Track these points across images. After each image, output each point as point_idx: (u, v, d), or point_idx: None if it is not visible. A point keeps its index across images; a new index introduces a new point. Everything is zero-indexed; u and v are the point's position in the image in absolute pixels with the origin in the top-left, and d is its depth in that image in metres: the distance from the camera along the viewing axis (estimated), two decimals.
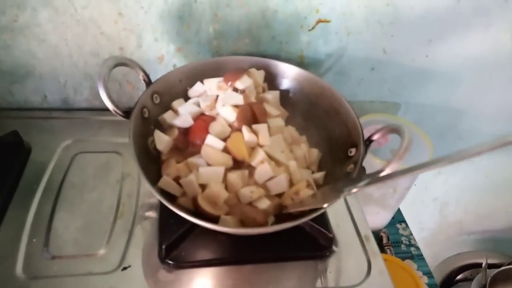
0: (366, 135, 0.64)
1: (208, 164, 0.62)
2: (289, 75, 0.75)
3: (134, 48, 0.78)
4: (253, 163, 0.62)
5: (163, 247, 0.61)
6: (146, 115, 0.67)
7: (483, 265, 1.25)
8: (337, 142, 0.69)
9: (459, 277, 1.43)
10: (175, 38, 0.78)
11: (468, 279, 1.41)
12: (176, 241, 0.63)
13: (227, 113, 0.65)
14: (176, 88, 0.72)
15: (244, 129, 0.63)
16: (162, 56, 0.80)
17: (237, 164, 0.64)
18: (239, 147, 0.62)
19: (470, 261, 1.44)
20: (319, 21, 0.78)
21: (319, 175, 0.68)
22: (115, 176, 0.74)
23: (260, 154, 0.62)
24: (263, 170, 0.61)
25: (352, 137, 0.66)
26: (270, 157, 0.63)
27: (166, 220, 0.67)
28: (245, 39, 0.79)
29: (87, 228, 0.66)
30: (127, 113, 0.63)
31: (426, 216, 1.43)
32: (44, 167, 0.74)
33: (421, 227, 1.48)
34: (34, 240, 0.63)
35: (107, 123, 0.85)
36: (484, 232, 1.56)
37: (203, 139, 0.63)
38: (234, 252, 0.64)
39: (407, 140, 0.54)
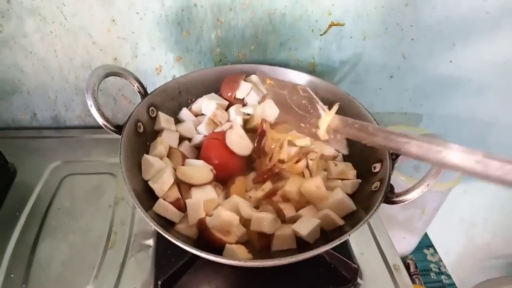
0: None
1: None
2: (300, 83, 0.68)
3: (129, 59, 0.71)
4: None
5: (159, 283, 0.52)
6: (141, 130, 0.59)
7: None
8: (359, 157, 0.61)
9: None
10: (174, 47, 0.71)
11: None
12: (175, 276, 0.54)
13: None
14: (175, 100, 0.65)
15: None
16: (160, 66, 0.73)
17: None
18: None
19: (501, 287, 1.31)
20: (332, 24, 0.71)
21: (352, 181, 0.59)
22: (107, 200, 0.66)
23: None
24: None
25: (375, 150, 0.57)
26: None
27: (164, 250, 0.58)
28: (251, 45, 0.72)
29: (73, 261, 0.57)
30: (119, 128, 0.55)
31: (452, 239, 1.32)
32: (30, 191, 0.66)
33: (446, 252, 1.36)
34: (12, 275, 0.55)
35: (101, 142, 0.78)
36: None
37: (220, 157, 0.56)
38: (243, 287, 0.55)
39: None
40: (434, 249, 0.93)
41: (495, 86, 0.86)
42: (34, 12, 0.64)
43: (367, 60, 0.77)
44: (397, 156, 0.55)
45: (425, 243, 0.93)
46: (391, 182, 0.53)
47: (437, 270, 0.88)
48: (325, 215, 0.52)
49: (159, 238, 0.60)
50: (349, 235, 0.45)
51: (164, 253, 0.57)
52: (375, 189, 0.53)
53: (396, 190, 0.72)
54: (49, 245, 0.59)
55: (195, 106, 0.66)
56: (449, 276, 0.87)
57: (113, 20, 0.66)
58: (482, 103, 0.88)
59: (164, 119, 0.62)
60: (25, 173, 0.70)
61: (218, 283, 0.55)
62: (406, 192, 0.48)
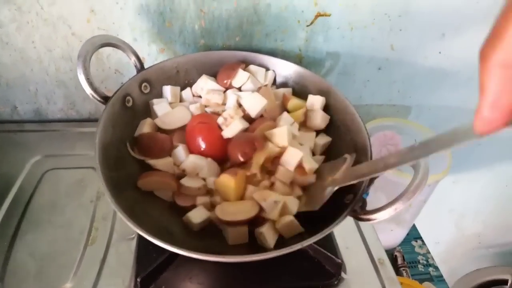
0: (375, 151, 0.54)
1: None
2: (296, 79, 0.66)
3: (110, 50, 0.69)
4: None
5: (138, 280, 0.51)
6: (130, 104, 0.58)
7: (509, 282, 1.13)
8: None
9: None
10: (157, 38, 0.69)
11: None
12: (155, 272, 0.53)
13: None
14: (172, 79, 0.64)
15: None
16: (143, 58, 0.71)
17: None
18: None
19: (491, 277, 1.31)
20: (318, 15, 0.69)
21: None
22: (89, 195, 0.65)
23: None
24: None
25: (358, 161, 0.54)
26: None
27: (145, 246, 0.57)
28: (236, 37, 0.70)
29: (53, 257, 0.56)
30: (107, 99, 0.54)
31: (441, 229, 1.33)
32: (9, 187, 0.65)
33: (436, 242, 1.37)
34: None
35: (85, 136, 0.76)
36: (504, 245, 1.45)
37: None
38: (226, 283, 0.55)
39: (420, 178, 0.44)
40: (422, 240, 0.93)
41: None
42: (8, 1, 0.62)
43: (355, 52, 0.75)
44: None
45: (413, 235, 0.93)
46: (376, 180, 0.52)
47: (425, 262, 0.88)
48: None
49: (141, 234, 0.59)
50: (302, 246, 0.45)
51: (146, 248, 0.56)
52: (347, 201, 0.51)
53: (383, 184, 0.71)
54: (28, 241, 0.58)
55: (195, 87, 0.64)
56: (436, 268, 0.87)
57: (92, 10, 0.64)
58: (471, 93, 0.87)
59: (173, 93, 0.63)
60: (5, 167, 0.68)
61: (200, 279, 0.54)
62: (374, 211, 0.45)
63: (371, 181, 0.51)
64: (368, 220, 0.46)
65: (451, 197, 1.20)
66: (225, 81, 0.64)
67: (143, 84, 0.61)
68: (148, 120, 0.59)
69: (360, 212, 0.48)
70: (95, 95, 0.54)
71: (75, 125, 0.78)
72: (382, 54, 0.77)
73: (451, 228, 1.35)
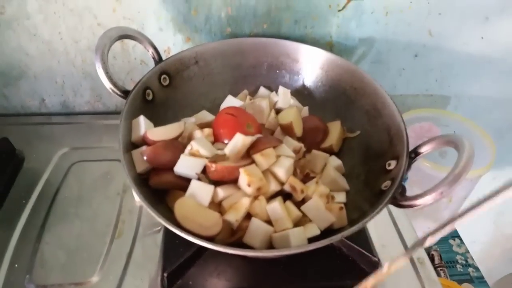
0: (412, 143, 0.49)
1: None
2: (321, 63, 0.63)
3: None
4: None
5: (165, 275, 0.49)
6: (150, 97, 0.57)
7: None
8: (375, 150, 0.56)
9: None
10: (183, 27, 0.67)
11: None
12: (182, 267, 0.52)
13: None
14: (191, 70, 0.62)
15: None
16: (169, 48, 0.70)
17: None
18: None
19: None
20: None
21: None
22: (115, 187, 0.64)
23: None
24: None
25: (393, 146, 0.52)
26: None
27: (172, 240, 0.56)
28: (263, 24, 0.67)
29: (79, 250, 0.56)
30: (127, 93, 0.53)
31: (479, 227, 1.26)
32: (37, 179, 0.65)
33: (473, 240, 1.30)
34: (16, 265, 0.53)
35: (112, 128, 0.75)
36: None
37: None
38: (254, 281, 0.53)
39: (465, 158, 0.40)
40: (461, 239, 0.88)
41: None
42: None
43: (390, 38, 0.71)
44: (417, 154, 0.48)
45: (451, 233, 0.88)
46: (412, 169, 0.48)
47: (464, 262, 0.83)
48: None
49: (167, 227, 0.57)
50: (343, 237, 0.42)
51: (172, 243, 0.55)
52: (385, 188, 0.47)
53: (419, 178, 0.67)
54: (55, 234, 0.57)
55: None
56: (477, 269, 0.82)
57: None
58: None
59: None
60: (33, 160, 0.68)
61: (228, 275, 0.52)
62: (417, 197, 0.42)
63: (410, 165, 0.48)
64: (411, 206, 0.43)
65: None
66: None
67: (162, 77, 0.59)
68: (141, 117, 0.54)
69: (400, 199, 0.44)
70: (114, 89, 0.52)
71: (101, 118, 0.77)
72: (419, 40, 0.72)
73: (490, 226, 1.28)
